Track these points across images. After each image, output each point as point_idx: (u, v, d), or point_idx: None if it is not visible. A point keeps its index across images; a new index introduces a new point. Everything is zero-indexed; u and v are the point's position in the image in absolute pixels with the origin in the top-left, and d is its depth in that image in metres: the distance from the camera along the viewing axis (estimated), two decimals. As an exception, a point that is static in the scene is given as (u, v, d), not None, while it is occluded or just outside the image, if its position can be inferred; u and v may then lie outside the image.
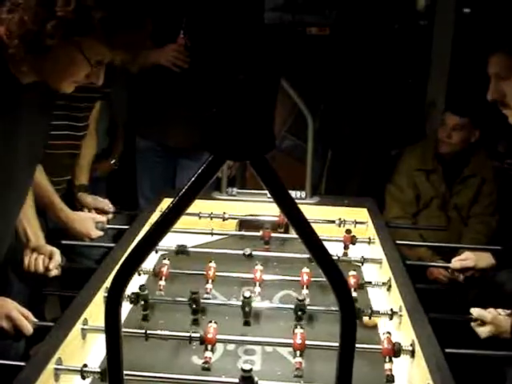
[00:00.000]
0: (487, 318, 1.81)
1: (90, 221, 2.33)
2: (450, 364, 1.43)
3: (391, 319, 1.69)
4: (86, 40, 1.44)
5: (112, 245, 2.17)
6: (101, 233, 2.35)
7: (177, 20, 2.95)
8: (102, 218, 2.38)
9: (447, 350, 1.50)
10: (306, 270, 1.87)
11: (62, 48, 1.43)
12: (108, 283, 1.74)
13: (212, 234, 2.31)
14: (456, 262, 2.21)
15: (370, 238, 2.23)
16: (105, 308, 0.90)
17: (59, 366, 1.39)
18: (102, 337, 1.56)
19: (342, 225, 2.35)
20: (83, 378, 1.40)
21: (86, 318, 1.57)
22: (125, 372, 0.96)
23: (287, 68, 2.74)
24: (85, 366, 1.40)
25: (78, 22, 1.39)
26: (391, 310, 1.70)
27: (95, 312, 1.63)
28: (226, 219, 2.41)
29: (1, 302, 1.63)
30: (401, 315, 1.68)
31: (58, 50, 1.43)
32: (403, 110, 3.88)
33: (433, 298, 2.00)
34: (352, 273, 1.86)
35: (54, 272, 1.99)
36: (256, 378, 1.29)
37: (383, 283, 1.90)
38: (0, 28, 1.47)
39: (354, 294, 1.77)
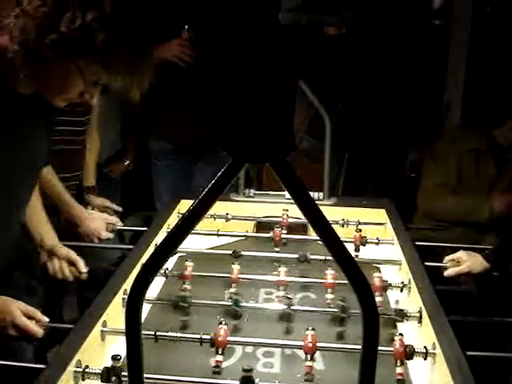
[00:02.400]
0: None
1: (102, 221, 2.33)
2: (472, 367, 1.41)
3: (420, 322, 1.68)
4: (85, 59, 1.45)
5: (130, 246, 2.17)
6: (111, 235, 2.34)
7: (180, 14, 2.95)
8: (114, 220, 2.38)
9: (468, 353, 1.48)
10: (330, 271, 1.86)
11: (59, 62, 1.44)
12: (127, 285, 1.74)
13: (230, 235, 2.31)
14: (450, 271, 2.15)
15: (388, 239, 2.22)
16: (125, 311, 0.90)
17: (79, 369, 1.39)
18: (121, 339, 1.58)
19: (359, 226, 2.34)
20: (83, 379, 1.39)
21: (105, 320, 1.57)
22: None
23: (304, 69, 2.73)
24: (87, 367, 1.40)
25: (79, 40, 1.40)
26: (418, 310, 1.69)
27: (114, 314, 1.63)
28: (243, 220, 2.41)
29: (5, 307, 1.60)
30: (421, 317, 1.67)
31: (56, 63, 1.44)
32: (420, 110, 3.85)
33: (451, 300, 1.98)
34: (377, 274, 1.85)
35: (84, 276, 2.00)
36: (257, 380, 1.29)
37: (403, 284, 1.88)
38: (4, 35, 1.47)
39: (380, 298, 1.77)
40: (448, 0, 4.18)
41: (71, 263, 2.01)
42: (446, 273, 2.15)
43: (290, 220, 2.35)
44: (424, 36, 4.01)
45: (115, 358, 1.36)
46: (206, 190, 0.87)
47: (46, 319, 1.63)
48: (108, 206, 2.57)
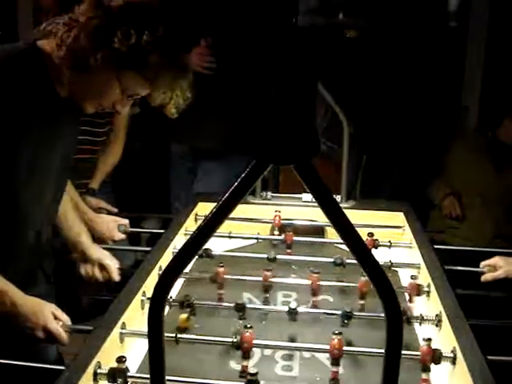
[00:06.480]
0: None
1: (113, 223, 2.33)
2: (493, 372, 1.40)
3: (437, 326, 1.66)
4: (129, 73, 1.50)
5: (147, 248, 2.18)
6: (123, 236, 2.34)
7: (198, 23, 2.96)
8: (125, 221, 2.38)
9: (490, 358, 1.47)
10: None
11: (103, 72, 1.49)
12: (145, 287, 1.74)
13: (242, 237, 2.29)
14: (488, 276, 2.12)
15: (407, 243, 2.21)
16: (148, 313, 0.89)
17: (98, 370, 1.39)
18: (140, 341, 1.58)
19: (374, 228, 2.32)
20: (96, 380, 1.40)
21: (124, 322, 1.57)
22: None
23: (323, 71, 2.73)
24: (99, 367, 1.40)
25: (131, 57, 1.44)
26: (436, 315, 1.68)
27: (133, 316, 1.63)
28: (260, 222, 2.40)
29: (39, 307, 1.61)
30: (440, 321, 1.66)
31: (100, 73, 1.49)
32: (438, 113, 3.84)
33: (471, 304, 1.96)
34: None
35: (116, 278, 2.00)
36: (262, 383, 1.29)
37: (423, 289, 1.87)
38: (50, 40, 1.52)
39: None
40: (465, 2, 4.15)
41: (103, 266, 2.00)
42: (483, 278, 2.12)
43: (299, 223, 2.34)
44: (441, 39, 3.99)
45: (120, 360, 1.37)
46: (229, 192, 0.86)
47: (70, 322, 1.63)
48: (103, 206, 2.57)
